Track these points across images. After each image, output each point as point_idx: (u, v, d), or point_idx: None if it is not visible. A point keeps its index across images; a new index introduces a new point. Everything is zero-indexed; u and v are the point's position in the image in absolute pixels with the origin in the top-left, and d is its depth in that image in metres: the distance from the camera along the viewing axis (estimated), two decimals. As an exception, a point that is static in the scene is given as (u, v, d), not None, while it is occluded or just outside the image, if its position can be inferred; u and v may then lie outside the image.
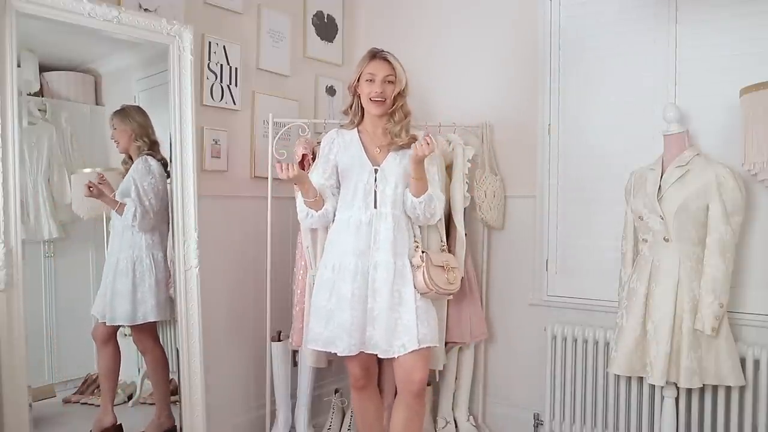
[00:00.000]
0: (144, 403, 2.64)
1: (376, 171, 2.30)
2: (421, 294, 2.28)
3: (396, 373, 2.29)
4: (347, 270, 2.25)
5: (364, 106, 2.35)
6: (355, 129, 2.39)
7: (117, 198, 2.49)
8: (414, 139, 2.31)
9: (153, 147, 2.57)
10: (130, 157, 2.55)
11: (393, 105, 2.33)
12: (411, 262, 2.30)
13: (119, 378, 2.59)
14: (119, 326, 2.52)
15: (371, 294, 2.24)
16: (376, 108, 2.31)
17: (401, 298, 2.24)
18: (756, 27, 2.48)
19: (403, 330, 2.21)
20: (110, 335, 2.51)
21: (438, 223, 2.57)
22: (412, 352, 2.19)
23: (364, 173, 2.31)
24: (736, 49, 2.50)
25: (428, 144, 2.17)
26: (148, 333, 2.59)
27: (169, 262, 2.57)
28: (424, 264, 2.28)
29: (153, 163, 2.54)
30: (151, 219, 2.52)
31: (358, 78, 2.33)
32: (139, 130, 2.52)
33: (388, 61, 2.31)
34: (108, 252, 2.53)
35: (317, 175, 2.38)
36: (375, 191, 2.29)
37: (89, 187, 2.45)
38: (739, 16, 2.51)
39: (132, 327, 2.55)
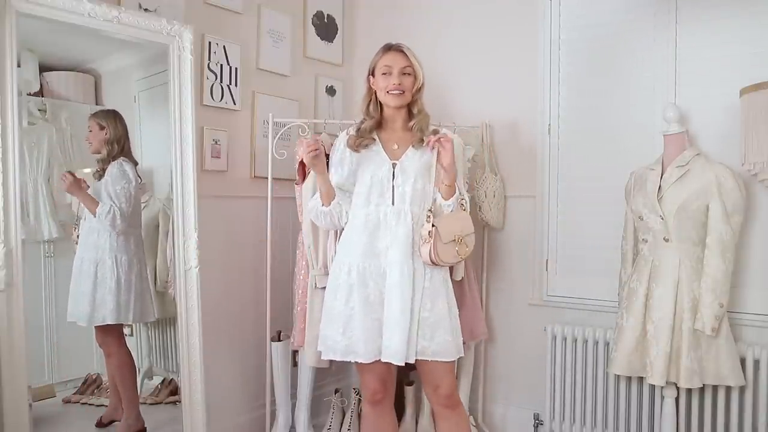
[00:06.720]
0: (144, 403, 2.64)
1: (394, 166, 2.17)
2: (425, 263, 2.14)
3: (423, 382, 2.20)
4: (365, 272, 2.12)
5: (381, 100, 2.21)
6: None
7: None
8: (436, 134, 2.19)
9: (126, 154, 2.53)
10: (104, 160, 2.52)
11: (411, 99, 2.20)
12: (420, 233, 2.13)
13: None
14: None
15: (386, 298, 2.10)
16: (394, 100, 2.17)
17: (428, 301, 2.11)
18: (756, 27, 2.48)
19: (430, 334, 2.09)
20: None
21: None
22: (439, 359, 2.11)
23: (381, 168, 2.18)
24: (736, 49, 2.50)
25: (443, 144, 2.09)
26: (112, 336, 2.56)
27: (168, 263, 2.57)
28: (432, 240, 2.11)
29: (128, 168, 2.51)
30: (120, 222, 2.48)
31: (373, 72, 2.21)
32: (114, 135, 2.49)
33: (404, 53, 2.19)
34: (76, 253, 2.50)
35: (333, 175, 2.25)
36: (393, 186, 2.16)
37: (63, 178, 2.43)
38: (739, 16, 2.51)
39: (96, 329, 2.52)
